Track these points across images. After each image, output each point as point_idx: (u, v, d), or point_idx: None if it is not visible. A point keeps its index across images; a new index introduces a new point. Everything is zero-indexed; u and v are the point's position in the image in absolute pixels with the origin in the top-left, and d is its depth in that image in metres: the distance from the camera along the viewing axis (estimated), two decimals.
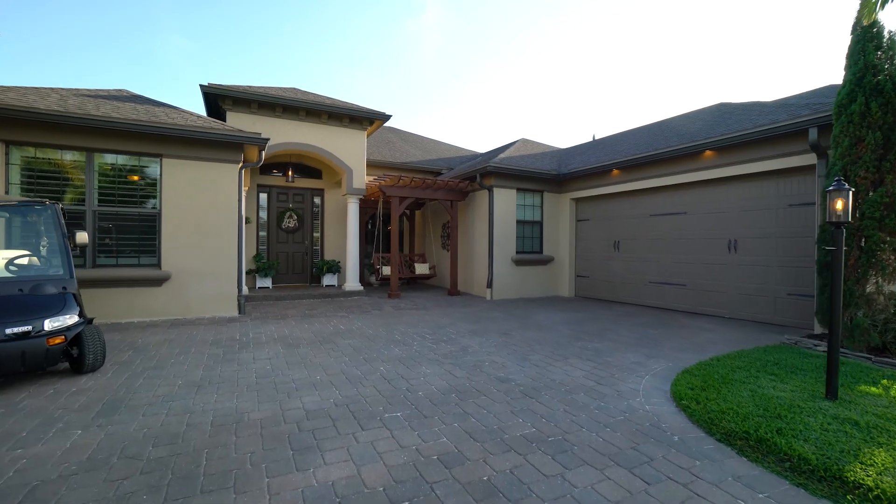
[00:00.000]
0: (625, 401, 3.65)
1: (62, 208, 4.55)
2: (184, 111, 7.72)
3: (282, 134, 9.12)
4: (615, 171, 9.49)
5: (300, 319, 7.18)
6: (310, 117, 9.40)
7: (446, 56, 78.03)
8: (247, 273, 9.98)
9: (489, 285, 9.97)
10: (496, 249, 10.03)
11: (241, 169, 7.48)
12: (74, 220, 6.37)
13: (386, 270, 10.76)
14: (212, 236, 7.18)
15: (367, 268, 11.96)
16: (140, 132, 6.48)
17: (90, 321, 4.22)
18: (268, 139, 7.44)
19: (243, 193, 8.75)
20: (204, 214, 7.13)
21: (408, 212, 12.95)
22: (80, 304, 4.11)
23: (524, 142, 13.02)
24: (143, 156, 6.81)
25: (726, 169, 7.49)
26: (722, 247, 7.75)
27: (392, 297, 9.72)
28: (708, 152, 7.66)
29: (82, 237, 4.51)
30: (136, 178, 6.86)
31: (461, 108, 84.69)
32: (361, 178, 9.98)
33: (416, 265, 11.53)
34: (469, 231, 10.98)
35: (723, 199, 7.78)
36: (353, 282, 10.01)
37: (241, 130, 7.29)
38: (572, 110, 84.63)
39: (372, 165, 11.63)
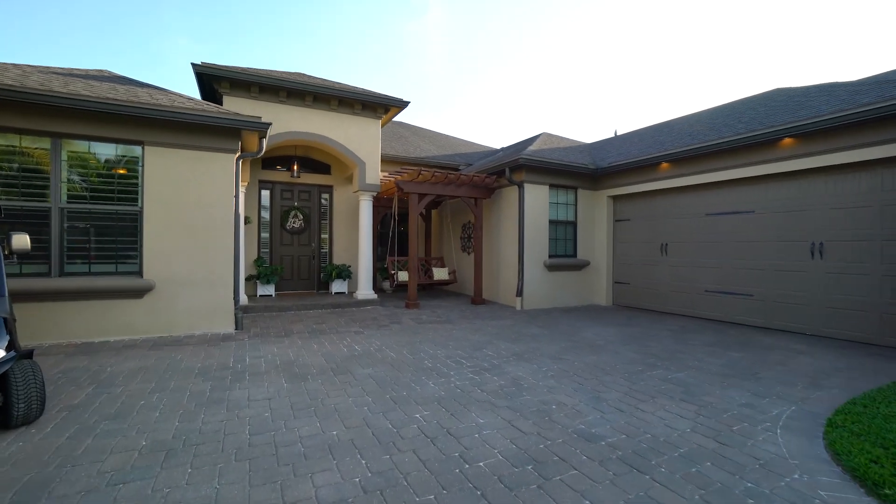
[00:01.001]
0: (778, 477, 2.51)
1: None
2: (171, 92, 6.64)
3: (286, 122, 8.03)
4: (664, 165, 8.33)
5: (307, 337, 6.07)
6: (318, 104, 8.30)
7: (449, 56, 76.98)
8: (246, 279, 8.90)
9: (519, 293, 8.83)
10: (527, 253, 8.89)
11: (238, 160, 6.39)
12: (37, 221, 5.30)
13: (402, 276, 9.65)
14: (203, 238, 6.09)
15: (379, 272, 10.85)
16: (116, 113, 5.40)
17: (27, 354, 3.13)
18: (269, 124, 6.34)
19: (241, 189, 7.68)
20: (194, 213, 6.04)
21: (423, 211, 11.83)
22: (10, 333, 3.01)
23: (547, 136, 11.86)
24: (121, 143, 5.73)
25: (808, 160, 6.31)
26: (802, 251, 6.57)
27: (410, 307, 8.60)
28: (787, 140, 6.48)
29: (21, 241, 3.43)
30: (113, 169, 5.78)
31: (464, 107, 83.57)
32: (375, 173, 8.87)
33: (434, 270, 10.40)
34: (494, 232, 9.84)
35: (802, 195, 6.60)
36: (365, 289, 8.89)
37: (237, 113, 6.20)
38: (580, 109, 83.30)
39: (384, 161, 10.52)
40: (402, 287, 9.67)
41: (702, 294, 7.99)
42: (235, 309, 6.32)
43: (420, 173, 8.32)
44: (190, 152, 6.02)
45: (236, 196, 6.31)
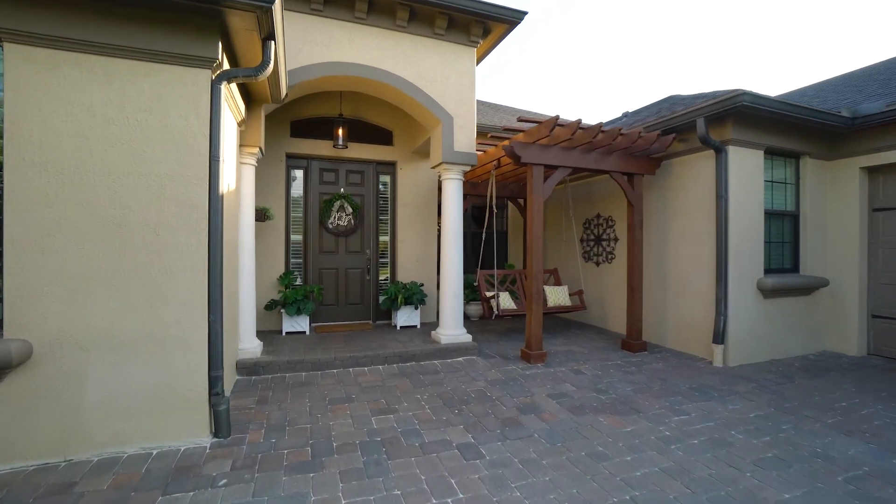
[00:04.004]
0: None
1: None
2: None
3: (323, 47, 4.69)
4: None
5: (359, 457, 2.68)
6: (375, 16, 4.90)
7: None
8: (266, 308, 5.68)
9: (719, 338, 5.01)
10: (732, 267, 5.05)
11: (218, 82, 3.05)
12: None
13: (506, 301, 6.09)
14: (144, 248, 2.84)
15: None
16: None
17: None
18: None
19: (250, 159, 4.44)
20: (124, 193, 2.81)
21: (521, 201, 8.19)
22: None
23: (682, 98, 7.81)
24: None
25: None
26: None
27: (533, 361, 5.01)
28: None
29: None
30: None
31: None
32: (470, 135, 5.37)
33: (548, 290, 6.75)
34: (659, 230, 6.04)
35: None
36: (452, 327, 5.39)
37: None
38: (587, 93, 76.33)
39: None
40: (508, 316, 6.11)
41: None
42: (215, 393, 3.01)
43: (554, 127, 4.69)
44: (109, 62, 2.78)
45: (214, 157, 2.99)
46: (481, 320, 7.46)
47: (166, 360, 2.89)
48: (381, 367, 4.79)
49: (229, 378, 4.03)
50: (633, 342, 5.61)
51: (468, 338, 5.38)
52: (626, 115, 9.47)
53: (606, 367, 4.93)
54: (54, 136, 2.67)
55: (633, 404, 3.83)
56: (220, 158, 3.04)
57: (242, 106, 4.10)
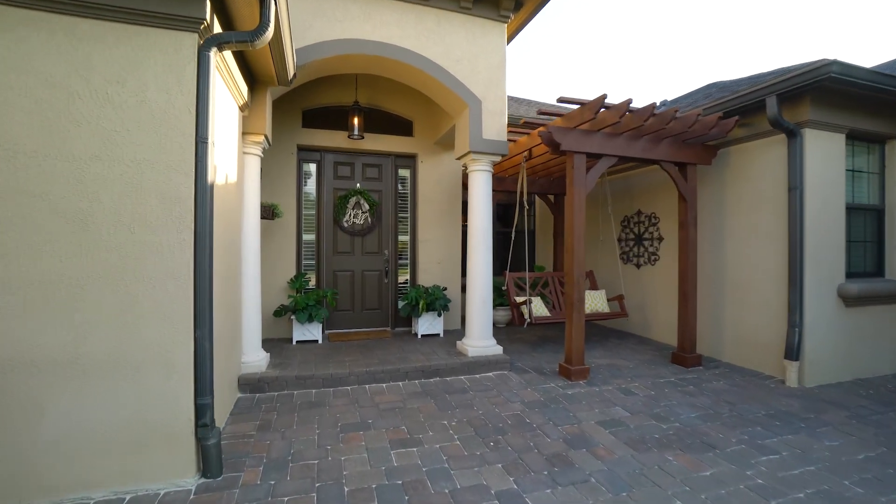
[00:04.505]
0: None
1: None
2: None
3: (336, 23, 4.15)
4: None
5: None
6: None
7: None
8: (275, 314, 5.19)
9: (793, 353, 4.28)
10: (809, 268, 4.32)
11: (206, 47, 2.52)
12: None
13: (539, 308, 5.47)
14: (116, 248, 2.34)
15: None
16: None
17: None
18: None
19: (254, 149, 3.94)
20: (90, 181, 2.31)
21: (552, 197, 7.53)
22: None
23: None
24: None
25: None
26: None
27: (574, 378, 4.38)
28: None
29: None
30: None
31: None
32: (500, 121, 4.76)
33: (587, 295, 6.10)
34: (714, 227, 5.32)
35: None
36: (480, 338, 4.78)
37: None
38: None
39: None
40: (540, 325, 5.46)
41: None
42: (202, 424, 2.48)
43: (601, 109, 4.05)
44: (73, 23, 2.28)
45: (201, 140, 2.45)
46: (509, 327, 6.84)
47: (143, 387, 2.37)
48: (401, 383, 4.23)
49: (229, 397, 3.53)
50: (685, 355, 4.91)
51: (498, 349, 4.77)
52: (664, 104, 8.70)
53: (660, 386, 4.26)
54: (4, 112, 2.18)
55: (703, 437, 3.17)
56: (210, 141, 2.51)
57: (245, 88, 3.59)
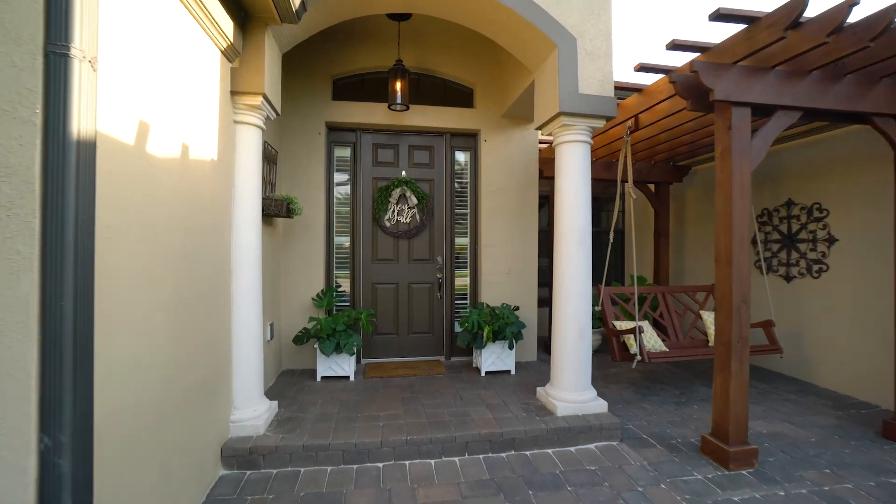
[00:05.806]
0: None
1: None
2: None
3: None
4: None
5: None
6: None
7: None
8: (294, 341, 3.99)
9: None
10: None
11: None
12: None
13: (652, 341, 3.86)
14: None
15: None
16: None
17: None
18: None
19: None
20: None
21: (651, 186, 5.79)
22: None
23: None
24: None
25: None
26: None
27: (736, 466, 2.71)
28: None
29: None
30: None
31: None
32: (605, 67, 3.21)
33: (706, 317, 4.38)
34: None
35: None
36: (575, 388, 3.24)
37: None
38: None
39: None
40: (654, 361, 3.83)
41: None
42: None
43: (796, 22, 2.39)
44: None
45: (54, 48, 1.21)
46: (596, 355, 5.20)
47: None
48: (457, 459, 2.82)
49: (203, 480, 2.31)
50: None
51: (602, 406, 3.22)
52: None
53: (885, 487, 2.51)
54: None
55: None
56: (85, 55, 1.25)
57: (228, 21, 2.38)
